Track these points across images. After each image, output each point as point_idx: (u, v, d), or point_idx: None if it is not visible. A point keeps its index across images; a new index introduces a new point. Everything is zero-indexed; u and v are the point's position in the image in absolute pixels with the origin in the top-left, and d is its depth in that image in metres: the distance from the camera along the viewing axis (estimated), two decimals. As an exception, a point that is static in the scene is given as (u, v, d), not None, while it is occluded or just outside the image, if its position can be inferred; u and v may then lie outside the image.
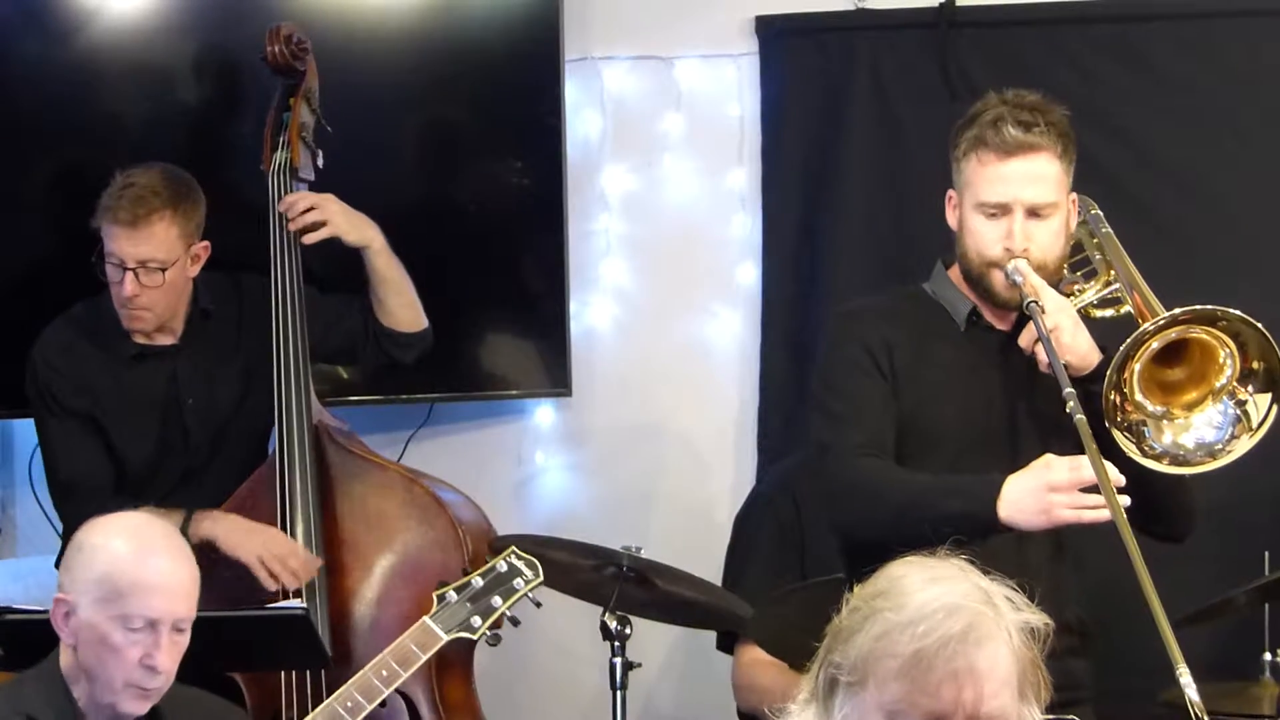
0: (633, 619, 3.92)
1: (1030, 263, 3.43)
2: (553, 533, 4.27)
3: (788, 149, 5.01)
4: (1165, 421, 3.38)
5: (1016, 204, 3.44)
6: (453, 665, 4.19)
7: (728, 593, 4.19)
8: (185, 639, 3.14)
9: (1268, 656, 4.13)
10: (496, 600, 3.68)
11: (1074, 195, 3.53)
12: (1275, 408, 3.34)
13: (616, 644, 3.89)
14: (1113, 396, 3.33)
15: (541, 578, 3.74)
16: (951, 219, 3.54)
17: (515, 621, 3.75)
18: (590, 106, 5.09)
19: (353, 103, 4.66)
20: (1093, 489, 3.19)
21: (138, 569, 3.09)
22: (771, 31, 5.00)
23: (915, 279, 3.67)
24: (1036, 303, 3.37)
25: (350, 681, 3.57)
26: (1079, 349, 3.41)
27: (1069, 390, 3.26)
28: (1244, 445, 3.36)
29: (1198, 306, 3.34)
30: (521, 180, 4.96)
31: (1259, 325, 3.34)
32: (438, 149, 4.97)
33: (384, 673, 3.57)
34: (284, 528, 4.17)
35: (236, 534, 4.12)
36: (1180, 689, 2.91)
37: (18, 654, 3.42)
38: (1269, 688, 4.11)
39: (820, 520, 4.03)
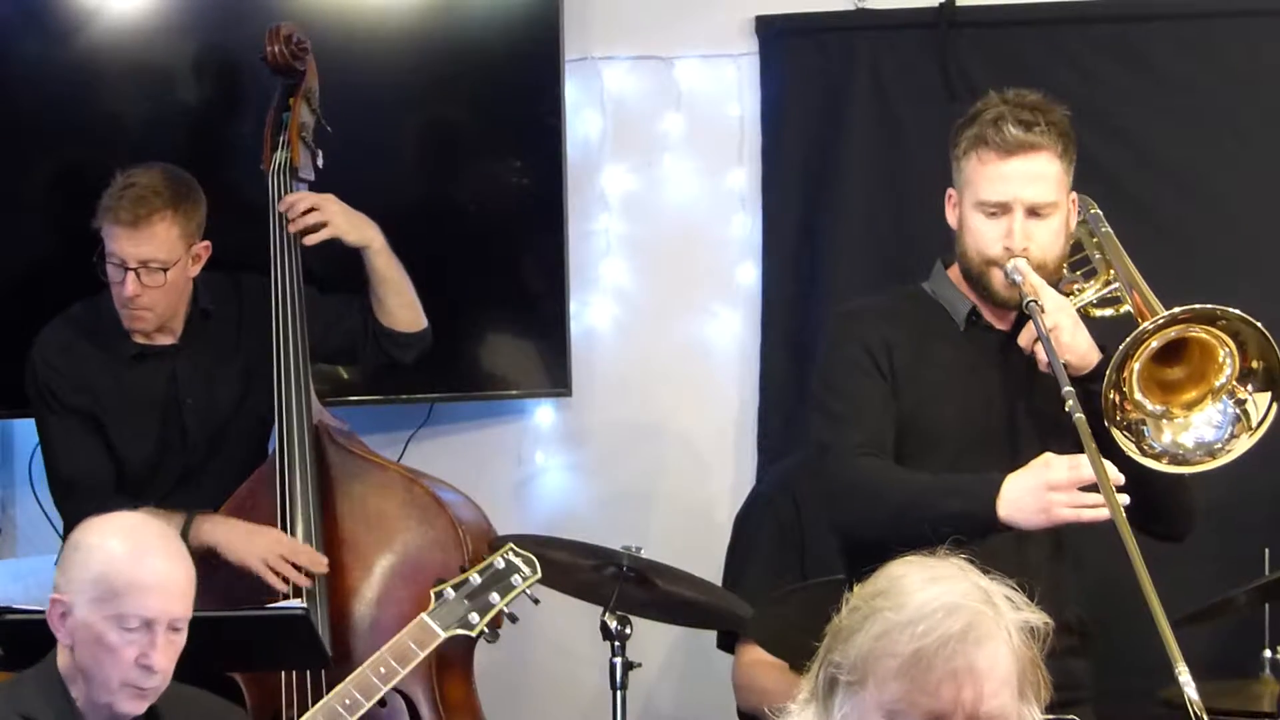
0: (633, 619, 3.92)
1: (1030, 262, 3.43)
2: (553, 533, 4.27)
3: (788, 149, 5.01)
4: (1165, 421, 3.38)
5: (1016, 203, 3.44)
6: (453, 665, 4.19)
7: (728, 593, 4.19)
8: (182, 638, 3.14)
9: (1268, 654, 4.13)
10: (494, 597, 3.68)
11: (1074, 194, 3.53)
12: (1275, 407, 3.34)
13: (616, 644, 3.89)
14: (1112, 395, 3.33)
15: (539, 574, 3.74)
16: (951, 217, 3.54)
17: (513, 618, 3.75)
18: (590, 106, 5.09)
19: (353, 103, 4.66)
20: (1092, 488, 3.19)
21: (133, 569, 3.09)
22: (771, 31, 5.00)
23: (915, 279, 3.67)
24: (1036, 302, 3.37)
25: (348, 679, 3.57)
26: (1078, 348, 3.41)
27: (1068, 389, 3.26)
28: (1243, 444, 3.36)
29: (1197, 306, 3.34)
30: (521, 180, 4.96)
31: (1258, 324, 3.34)
32: (438, 149, 4.97)
33: (382, 670, 3.57)
34: (284, 527, 4.17)
35: (237, 539, 4.12)
36: (1180, 687, 2.91)
37: (18, 654, 3.41)
38: (1269, 685, 4.11)
39: (820, 520, 4.03)
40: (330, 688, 3.76)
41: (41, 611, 3.22)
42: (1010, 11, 4.91)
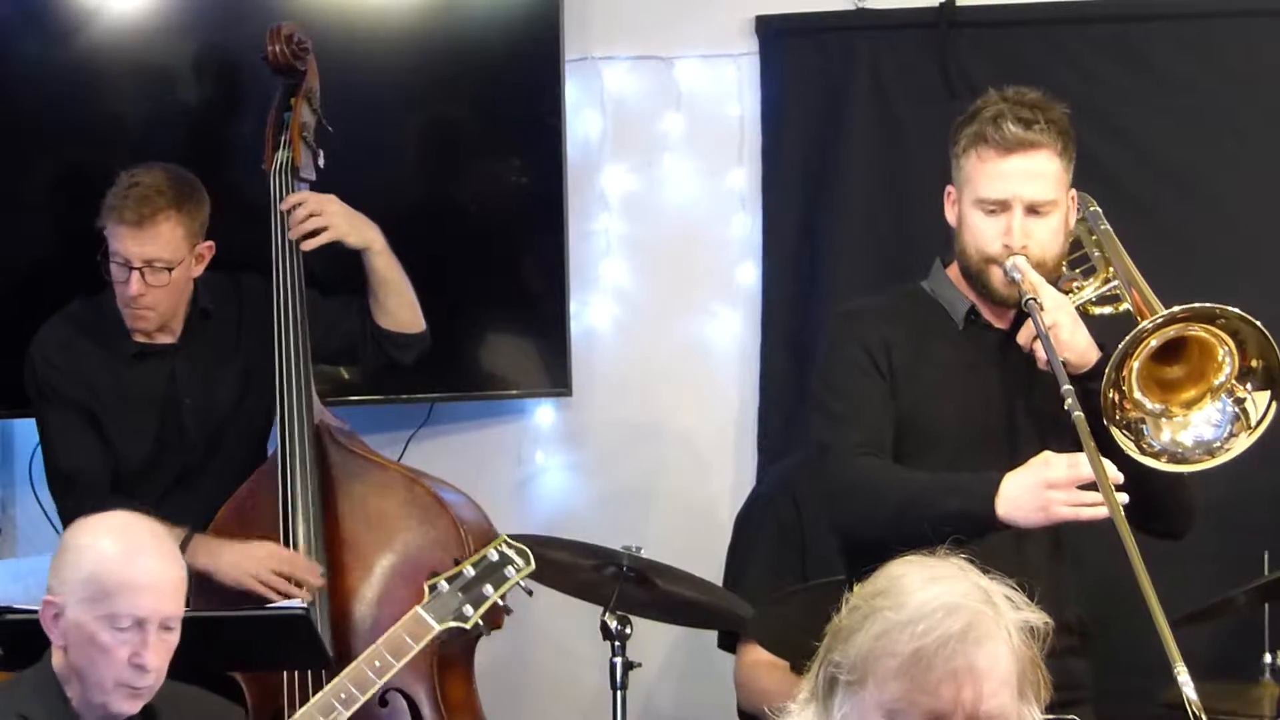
0: (633, 619, 3.92)
1: (1029, 260, 3.43)
2: (553, 533, 4.27)
3: (788, 149, 5.01)
4: (1164, 419, 3.38)
5: (1016, 201, 3.44)
6: (454, 664, 4.19)
7: (728, 593, 4.19)
8: (174, 637, 3.14)
9: (1268, 658, 4.13)
10: (488, 589, 3.68)
11: (1073, 192, 3.53)
12: (1274, 405, 3.34)
13: (616, 644, 3.90)
14: (1111, 394, 3.33)
15: (533, 565, 3.73)
16: (950, 215, 3.54)
17: (508, 610, 3.75)
18: (590, 106, 5.09)
19: (353, 103, 4.66)
20: (1091, 486, 3.20)
21: (125, 568, 3.09)
22: (771, 31, 5.00)
23: (915, 278, 3.67)
24: (1035, 300, 3.37)
25: (343, 673, 3.56)
26: (1077, 346, 3.41)
27: (1067, 388, 3.26)
28: (1242, 443, 3.36)
29: (1196, 304, 3.34)
30: (522, 180, 4.96)
31: (1258, 323, 3.34)
32: (438, 149, 4.98)
33: (377, 663, 3.56)
34: (285, 527, 4.17)
35: (228, 563, 4.11)
36: (1179, 688, 2.91)
37: (18, 654, 3.42)
38: (1269, 688, 4.11)
39: (821, 520, 4.03)
40: (331, 688, 3.76)
41: (42, 611, 3.23)
42: (1010, 11, 4.91)
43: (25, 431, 4.82)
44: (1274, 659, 4.12)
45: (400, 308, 4.46)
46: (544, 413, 5.12)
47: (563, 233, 4.92)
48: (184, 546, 4.03)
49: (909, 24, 4.91)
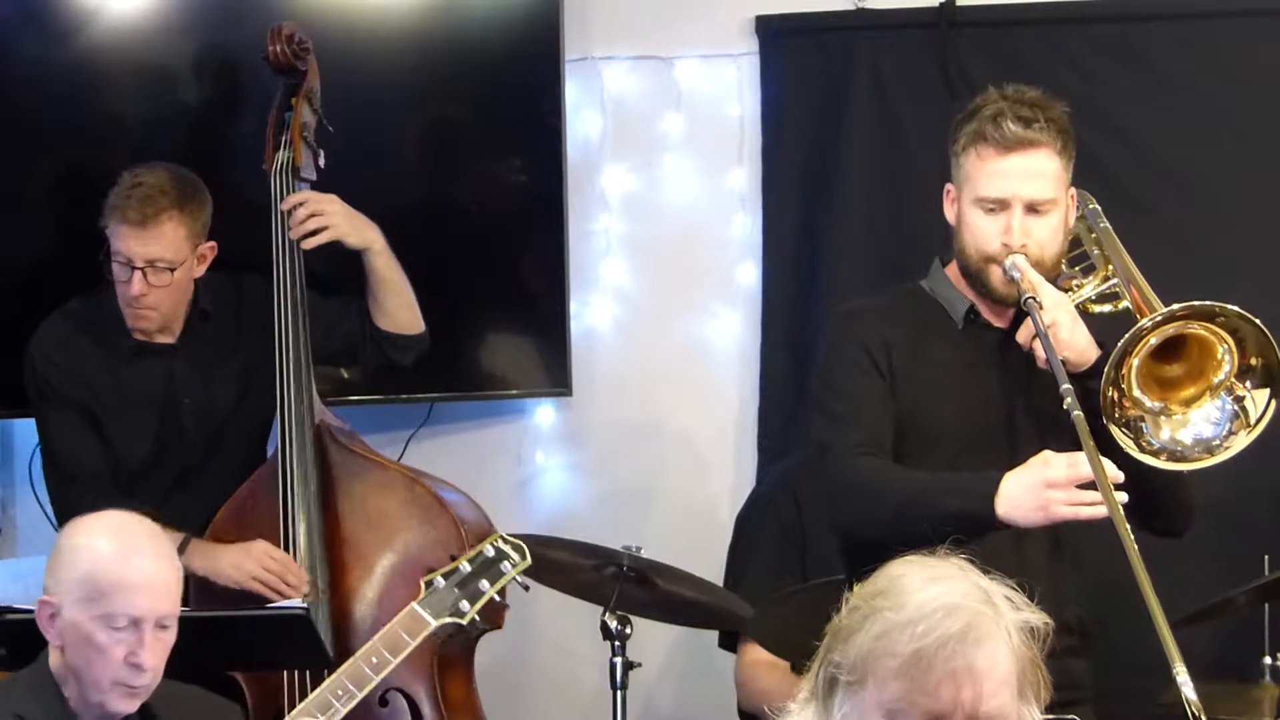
0: (633, 619, 3.92)
1: (1028, 258, 3.43)
2: (553, 533, 4.27)
3: (788, 149, 5.01)
4: (1163, 417, 3.38)
5: (1015, 199, 3.44)
6: (454, 664, 4.19)
7: (728, 593, 4.19)
8: (170, 636, 3.14)
9: (1268, 660, 4.13)
10: (485, 584, 3.67)
11: (1072, 190, 3.53)
12: (1273, 404, 3.34)
13: (616, 644, 3.89)
14: (1110, 392, 3.32)
15: (529, 560, 3.72)
16: (949, 213, 3.54)
17: (506, 607, 3.75)
18: (590, 106, 5.09)
19: (354, 102, 4.66)
20: (1091, 486, 3.19)
21: (120, 568, 3.09)
22: (771, 31, 5.00)
23: (914, 278, 3.67)
24: (1034, 298, 3.37)
25: (340, 669, 3.56)
26: (1077, 345, 3.41)
27: (1066, 387, 3.26)
28: (1242, 441, 3.36)
29: (1195, 302, 3.34)
30: (521, 180, 4.96)
31: (1257, 321, 3.34)
32: (438, 149, 4.98)
33: (374, 660, 3.55)
34: (285, 527, 4.18)
35: (225, 566, 4.13)
36: (1179, 688, 2.91)
37: (18, 654, 3.42)
38: (1269, 690, 4.10)
39: (821, 520, 4.03)
40: (331, 688, 3.77)
41: (42, 611, 3.23)
42: (1010, 11, 4.92)
43: (25, 431, 4.82)
44: (1274, 660, 4.12)
45: (399, 309, 4.47)
46: (544, 413, 5.12)
47: (563, 233, 4.92)
48: (181, 550, 4.03)
49: (909, 24, 4.91)
